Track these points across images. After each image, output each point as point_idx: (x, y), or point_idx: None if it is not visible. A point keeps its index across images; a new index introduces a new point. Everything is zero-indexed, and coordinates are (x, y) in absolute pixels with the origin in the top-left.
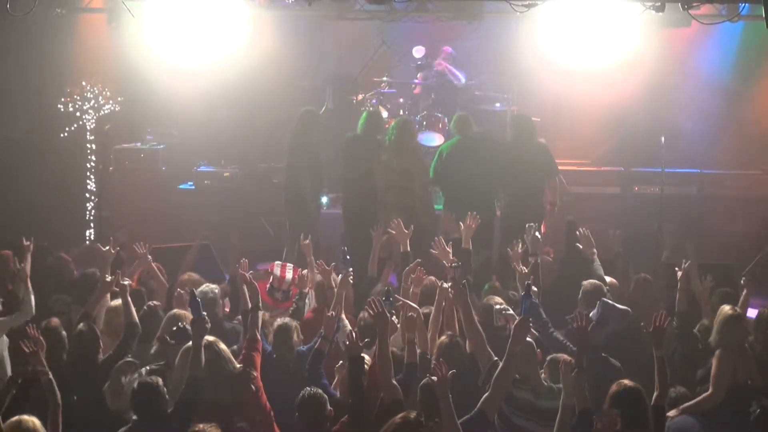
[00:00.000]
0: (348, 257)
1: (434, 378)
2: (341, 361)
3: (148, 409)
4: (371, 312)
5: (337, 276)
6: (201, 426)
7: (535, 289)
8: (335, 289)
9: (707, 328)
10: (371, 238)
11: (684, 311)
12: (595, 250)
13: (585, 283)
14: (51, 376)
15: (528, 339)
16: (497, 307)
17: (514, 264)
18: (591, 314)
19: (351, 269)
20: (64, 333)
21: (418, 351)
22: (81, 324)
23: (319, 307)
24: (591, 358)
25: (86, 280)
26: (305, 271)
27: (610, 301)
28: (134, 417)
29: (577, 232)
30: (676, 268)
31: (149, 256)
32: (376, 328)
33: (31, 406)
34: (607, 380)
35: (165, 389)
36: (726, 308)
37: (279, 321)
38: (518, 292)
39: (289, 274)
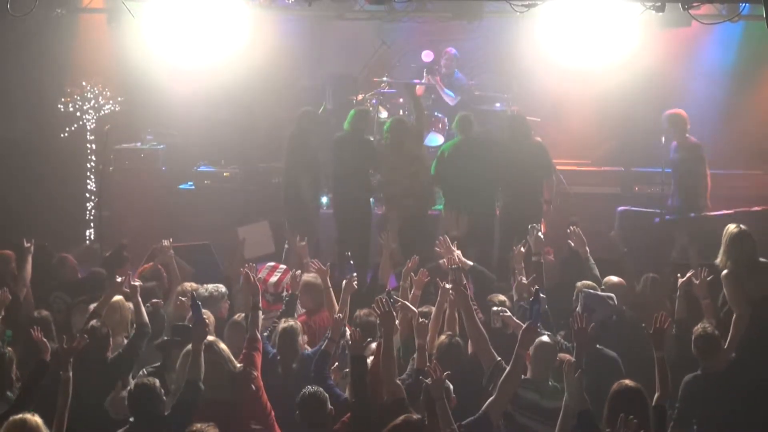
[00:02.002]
0: (351, 262)
1: (428, 380)
2: (336, 363)
3: (145, 411)
4: (377, 311)
5: (327, 277)
6: (199, 426)
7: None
8: (329, 290)
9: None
10: (365, 237)
11: (683, 318)
12: (587, 249)
13: (578, 284)
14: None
15: (549, 341)
16: (494, 308)
17: (514, 266)
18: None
19: (355, 274)
20: (53, 326)
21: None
22: (94, 321)
23: (309, 308)
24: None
25: (89, 279)
26: (298, 272)
27: (591, 291)
28: (131, 419)
29: (568, 230)
30: (678, 275)
31: (171, 251)
32: (382, 328)
33: (34, 405)
34: (602, 371)
35: (162, 391)
36: (732, 227)
37: (284, 324)
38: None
39: (275, 278)
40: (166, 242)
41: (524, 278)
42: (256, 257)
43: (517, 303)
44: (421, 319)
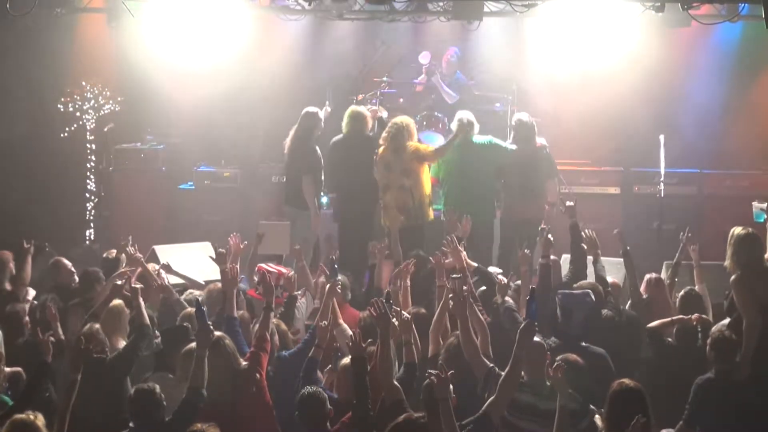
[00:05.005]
0: (336, 266)
1: (434, 379)
2: (330, 366)
3: (145, 417)
4: (373, 313)
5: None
6: (199, 426)
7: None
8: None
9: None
10: (366, 239)
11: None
12: (599, 251)
13: (583, 283)
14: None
15: (539, 340)
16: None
17: (520, 267)
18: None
19: (339, 278)
20: (27, 319)
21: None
22: (91, 323)
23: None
24: (571, 349)
25: (81, 280)
26: (292, 273)
27: (566, 291)
28: (131, 424)
29: (583, 234)
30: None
31: (141, 258)
32: (378, 329)
33: (35, 405)
34: (591, 368)
35: (162, 396)
36: (739, 228)
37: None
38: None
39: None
40: (128, 244)
41: (505, 279)
42: (267, 255)
43: (501, 305)
44: (404, 315)
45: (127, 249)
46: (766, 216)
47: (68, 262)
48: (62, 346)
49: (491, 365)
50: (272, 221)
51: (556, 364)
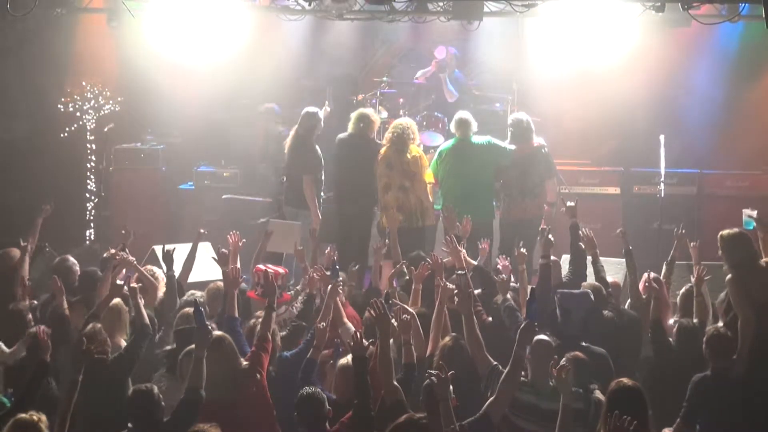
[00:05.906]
0: (337, 266)
1: (434, 379)
2: (331, 362)
3: (144, 417)
4: (373, 313)
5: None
6: (201, 426)
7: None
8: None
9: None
10: (366, 238)
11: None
12: (597, 251)
13: (585, 284)
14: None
15: (548, 339)
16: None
17: (519, 267)
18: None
19: (341, 279)
20: (30, 317)
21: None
22: (92, 323)
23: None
24: (571, 349)
25: (82, 280)
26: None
27: (565, 291)
28: (129, 425)
29: (580, 233)
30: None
31: (133, 260)
32: (378, 330)
33: (36, 404)
34: (592, 368)
35: (160, 397)
36: (726, 230)
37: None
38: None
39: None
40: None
41: (504, 276)
42: (275, 253)
43: (503, 304)
44: (404, 316)
45: (120, 253)
46: (755, 224)
47: (74, 260)
48: (65, 318)
49: (495, 362)
50: (282, 221)
51: (560, 365)
